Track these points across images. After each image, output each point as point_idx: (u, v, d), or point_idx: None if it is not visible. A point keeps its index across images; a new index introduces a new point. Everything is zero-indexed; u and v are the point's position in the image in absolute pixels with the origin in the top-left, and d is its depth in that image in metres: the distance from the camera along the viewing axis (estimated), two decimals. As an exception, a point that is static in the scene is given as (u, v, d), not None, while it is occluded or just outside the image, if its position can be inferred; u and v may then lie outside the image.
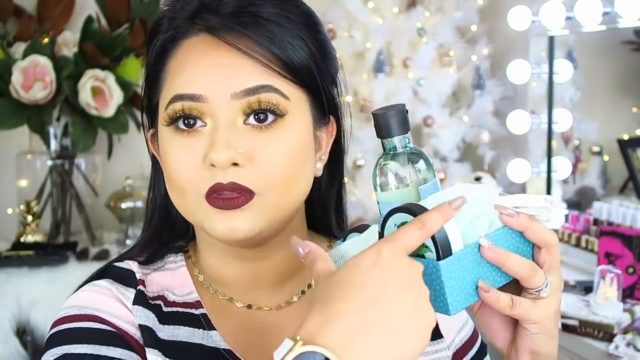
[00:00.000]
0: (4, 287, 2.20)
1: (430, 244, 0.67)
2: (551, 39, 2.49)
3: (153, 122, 0.86)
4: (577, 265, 2.40)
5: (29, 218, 2.44)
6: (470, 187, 0.73)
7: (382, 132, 0.74)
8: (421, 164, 0.74)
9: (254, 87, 0.77)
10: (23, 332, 2.23)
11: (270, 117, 0.78)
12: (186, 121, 0.78)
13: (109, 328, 0.79)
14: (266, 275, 0.86)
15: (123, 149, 2.61)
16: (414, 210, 0.68)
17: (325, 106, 0.84)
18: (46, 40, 2.39)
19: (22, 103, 2.32)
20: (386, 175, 0.74)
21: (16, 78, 2.27)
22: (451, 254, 0.67)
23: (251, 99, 0.77)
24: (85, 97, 2.31)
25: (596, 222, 2.39)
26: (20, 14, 2.55)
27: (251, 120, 0.77)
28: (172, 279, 0.88)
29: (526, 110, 2.60)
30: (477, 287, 0.70)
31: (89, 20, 2.38)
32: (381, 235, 0.72)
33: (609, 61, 2.87)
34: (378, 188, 0.75)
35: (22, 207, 2.46)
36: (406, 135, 0.74)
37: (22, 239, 2.42)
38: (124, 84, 2.36)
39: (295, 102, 0.80)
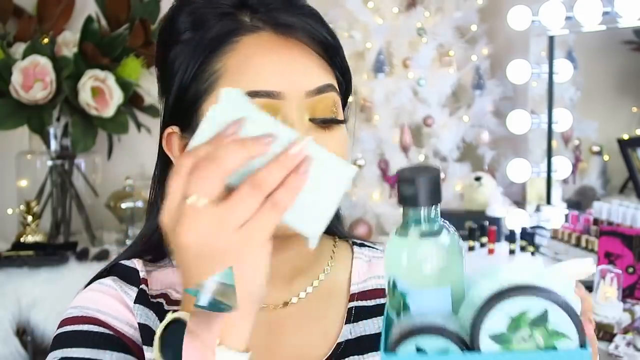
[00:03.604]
0: (4, 287, 2.20)
1: (570, 331, 0.57)
2: (551, 39, 2.49)
3: (184, 123, 0.81)
4: (577, 265, 2.39)
5: (29, 218, 2.44)
6: (523, 266, 0.59)
7: (406, 200, 0.58)
8: (446, 240, 0.59)
9: (322, 85, 0.78)
10: (23, 332, 2.23)
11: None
12: None
13: (106, 331, 0.81)
14: (281, 268, 0.85)
15: (123, 149, 2.60)
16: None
17: (347, 106, 0.86)
18: (46, 40, 2.39)
19: (22, 103, 2.32)
20: (403, 256, 0.59)
21: (16, 78, 2.27)
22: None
23: (319, 97, 0.78)
24: (85, 97, 2.31)
25: (596, 222, 2.38)
26: (20, 14, 2.55)
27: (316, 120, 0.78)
28: (175, 277, 0.87)
29: (526, 110, 2.60)
30: None
31: (89, 20, 2.38)
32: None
33: (609, 61, 2.87)
34: (394, 268, 0.60)
35: (22, 207, 2.46)
36: (436, 206, 0.59)
37: (22, 239, 2.42)
38: (124, 84, 2.36)
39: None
